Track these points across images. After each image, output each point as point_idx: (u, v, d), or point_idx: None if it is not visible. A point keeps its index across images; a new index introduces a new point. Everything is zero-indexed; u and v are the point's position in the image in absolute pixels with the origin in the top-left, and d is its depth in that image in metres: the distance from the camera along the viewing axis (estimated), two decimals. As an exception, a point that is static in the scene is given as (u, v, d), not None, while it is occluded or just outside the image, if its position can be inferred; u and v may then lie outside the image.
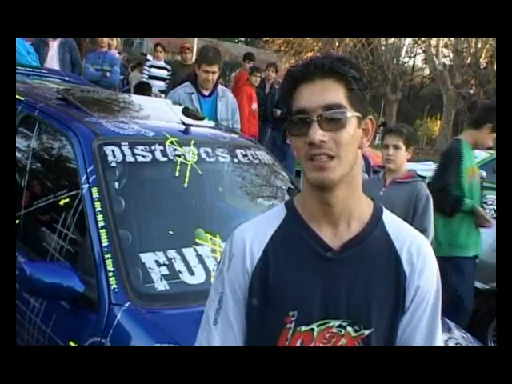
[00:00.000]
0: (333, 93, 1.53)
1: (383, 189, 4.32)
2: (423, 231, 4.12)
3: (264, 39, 28.28)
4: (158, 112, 4.01)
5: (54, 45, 8.26)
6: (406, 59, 33.10)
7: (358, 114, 1.55)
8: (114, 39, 9.76)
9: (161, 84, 10.44)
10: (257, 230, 1.66)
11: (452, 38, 23.67)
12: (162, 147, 3.19)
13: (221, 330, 1.64)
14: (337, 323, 1.58)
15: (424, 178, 4.62)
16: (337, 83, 1.53)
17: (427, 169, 11.56)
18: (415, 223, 4.12)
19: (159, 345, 2.35)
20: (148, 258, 2.77)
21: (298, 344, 1.59)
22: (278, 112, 10.16)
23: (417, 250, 1.62)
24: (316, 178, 1.53)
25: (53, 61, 8.21)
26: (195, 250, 2.91)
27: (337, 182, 1.53)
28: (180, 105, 4.52)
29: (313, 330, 1.58)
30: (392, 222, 1.67)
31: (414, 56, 34.26)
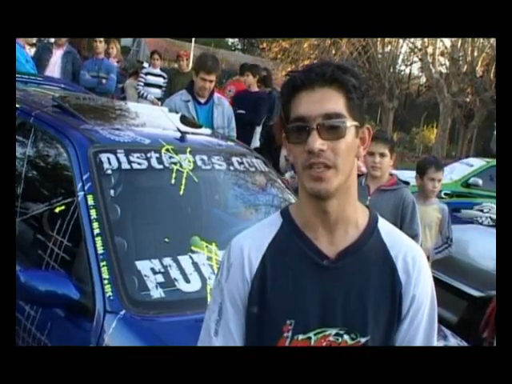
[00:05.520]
0: (333, 101, 1.52)
1: (368, 197, 4.32)
2: (414, 237, 4.14)
3: (261, 47, 28.34)
4: (154, 119, 4.00)
5: (57, 53, 8.43)
6: (403, 67, 33.18)
7: (356, 124, 1.56)
8: (115, 48, 9.80)
9: (157, 91, 10.44)
10: (254, 239, 1.66)
11: (448, 46, 23.74)
12: (157, 155, 3.19)
13: (222, 340, 1.63)
14: (333, 331, 1.59)
15: (407, 183, 4.69)
16: (337, 92, 1.53)
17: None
18: (405, 230, 4.12)
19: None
20: (144, 266, 2.76)
21: None
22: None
23: (412, 259, 1.62)
24: (313, 188, 1.53)
25: (54, 68, 8.32)
26: (191, 257, 2.90)
27: (333, 192, 1.54)
28: (176, 112, 4.52)
29: (310, 338, 1.59)
30: (387, 230, 1.67)
31: (411, 64, 34.36)
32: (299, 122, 1.53)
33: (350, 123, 1.54)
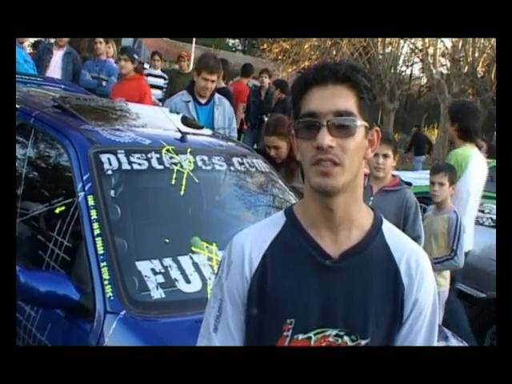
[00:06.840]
0: (344, 99, 1.52)
1: (371, 198, 4.32)
2: (417, 238, 4.14)
3: (261, 48, 28.32)
4: (155, 120, 4.00)
5: (57, 53, 8.43)
6: (404, 68, 33.12)
7: (366, 124, 1.55)
8: (111, 48, 9.77)
9: (158, 92, 10.45)
10: (256, 236, 1.66)
11: (449, 47, 23.73)
12: (158, 155, 3.19)
13: (221, 337, 1.63)
14: (334, 332, 1.58)
15: (409, 184, 4.66)
16: (348, 90, 1.53)
17: (425, 177, 11.59)
18: (408, 231, 4.12)
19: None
20: (144, 266, 2.76)
21: None
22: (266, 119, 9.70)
23: (415, 262, 1.62)
24: (319, 183, 1.52)
25: (55, 68, 8.32)
26: (191, 258, 2.90)
27: (340, 188, 1.53)
28: (177, 113, 4.52)
29: (310, 338, 1.58)
30: (391, 232, 1.67)
31: (412, 65, 34.32)
32: (309, 118, 1.53)
33: (360, 123, 1.54)
